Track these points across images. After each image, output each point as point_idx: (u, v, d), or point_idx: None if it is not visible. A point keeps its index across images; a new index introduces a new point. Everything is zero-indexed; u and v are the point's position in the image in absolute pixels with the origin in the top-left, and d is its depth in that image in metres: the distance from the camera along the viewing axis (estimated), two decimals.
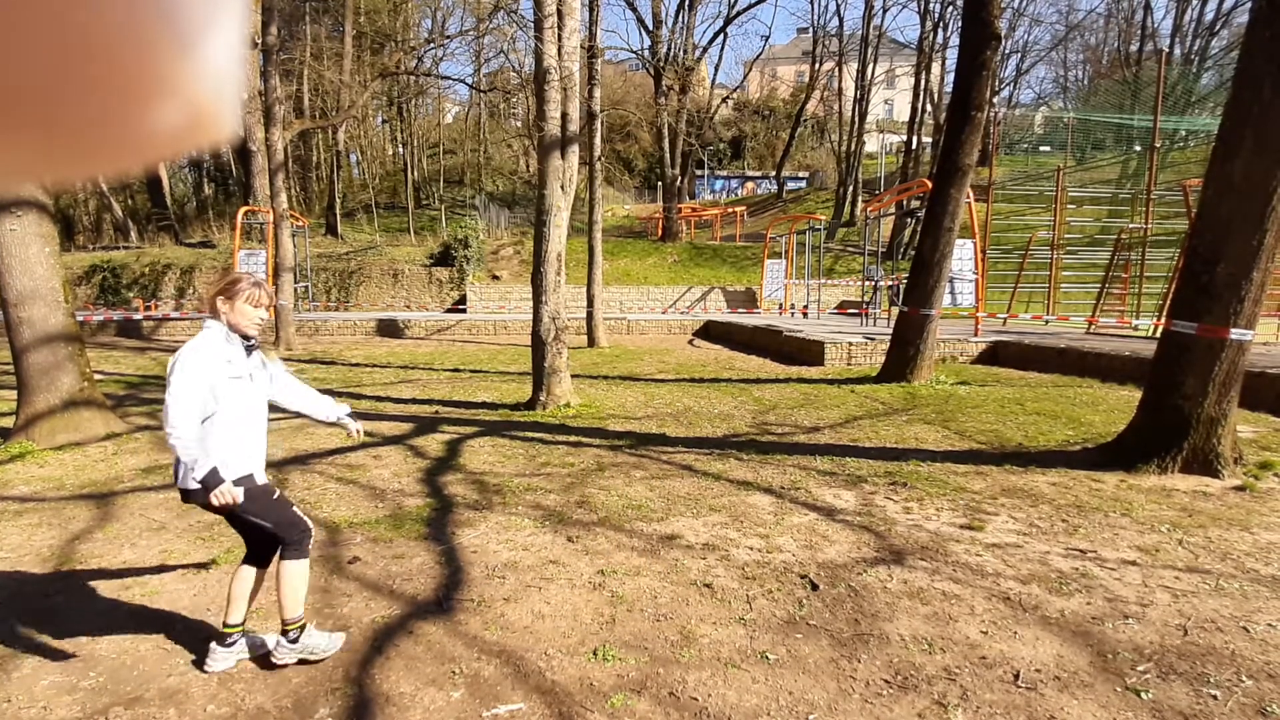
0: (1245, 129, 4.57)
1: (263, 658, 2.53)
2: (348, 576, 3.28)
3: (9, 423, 5.93)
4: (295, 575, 2.48)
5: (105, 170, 0.22)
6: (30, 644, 2.68)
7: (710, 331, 17.48)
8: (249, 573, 2.56)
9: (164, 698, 2.34)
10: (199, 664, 2.51)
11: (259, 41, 13.29)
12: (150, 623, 2.84)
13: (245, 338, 2.44)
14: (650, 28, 29.17)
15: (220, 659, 2.47)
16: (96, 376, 6.45)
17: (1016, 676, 2.43)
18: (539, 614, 2.91)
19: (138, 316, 16.85)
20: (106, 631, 2.77)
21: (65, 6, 0.18)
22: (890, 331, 9.96)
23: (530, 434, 6.24)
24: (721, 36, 32.03)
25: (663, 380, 9.61)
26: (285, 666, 2.50)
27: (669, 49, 29.47)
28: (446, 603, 3.01)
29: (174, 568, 3.38)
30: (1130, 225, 14.15)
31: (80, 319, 6.44)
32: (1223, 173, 4.73)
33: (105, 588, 3.16)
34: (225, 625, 2.51)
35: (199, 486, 2.24)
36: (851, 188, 30.27)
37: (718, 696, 2.34)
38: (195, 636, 2.73)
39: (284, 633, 2.48)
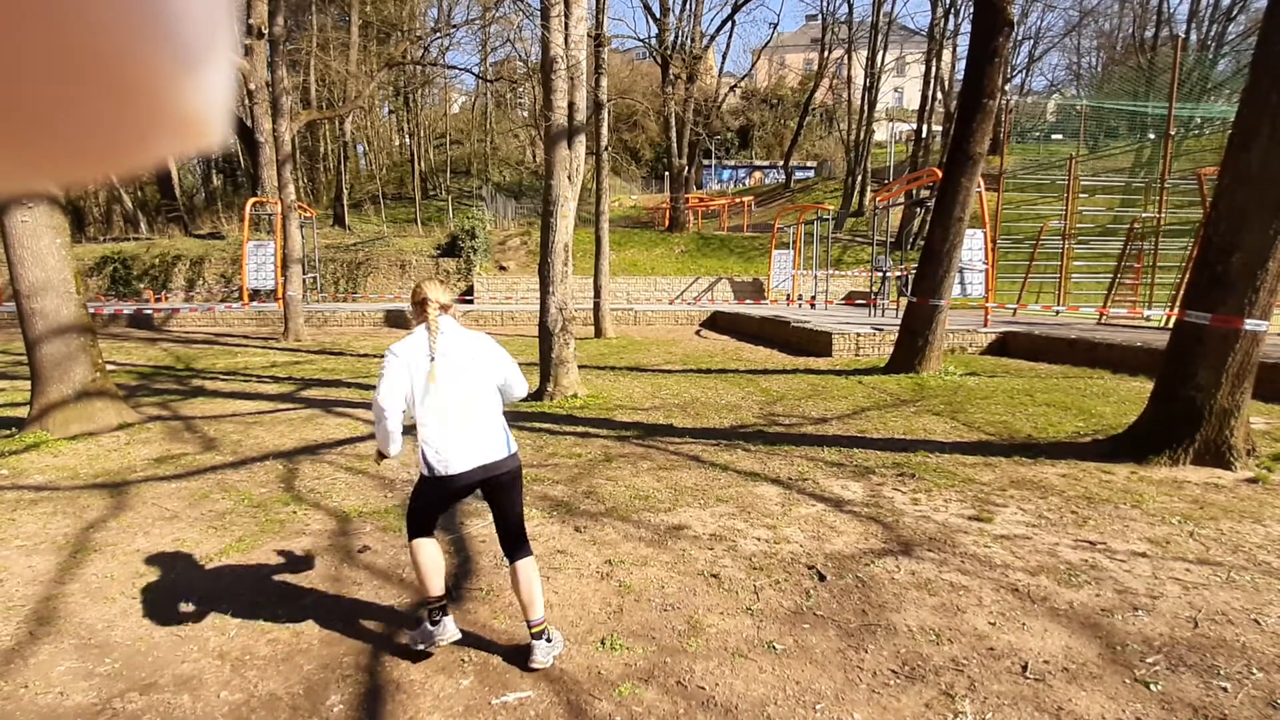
0: (1262, 116, 4.49)
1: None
2: (358, 565, 3.31)
3: (24, 413, 5.99)
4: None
5: (97, 175, 0.23)
6: (46, 630, 2.72)
7: (717, 322, 17.45)
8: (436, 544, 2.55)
9: (178, 684, 2.37)
10: (410, 655, 2.49)
11: (265, 32, 13.27)
12: (164, 610, 2.87)
13: None
14: (657, 15, 28.93)
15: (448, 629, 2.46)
16: (108, 367, 6.51)
17: (1025, 668, 2.43)
18: (547, 603, 2.92)
19: (148, 310, 16.98)
20: (121, 619, 2.80)
21: (66, 19, 0.18)
22: (899, 322, 9.91)
23: (537, 424, 6.26)
24: (729, 24, 31.73)
25: (670, 371, 9.60)
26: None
27: (676, 37, 29.24)
28: (455, 591, 3.04)
29: (187, 556, 3.42)
30: (1143, 214, 13.99)
31: (91, 310, 6.49)
32: (1239, 161, 4.66)
33: (119, 576, 3.21)
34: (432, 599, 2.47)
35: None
36: (860, 177, 30.03)
37: (725, 686, 2.35)
38: (209, 624, 2.76)
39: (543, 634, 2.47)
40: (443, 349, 2.44)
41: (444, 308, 2.51)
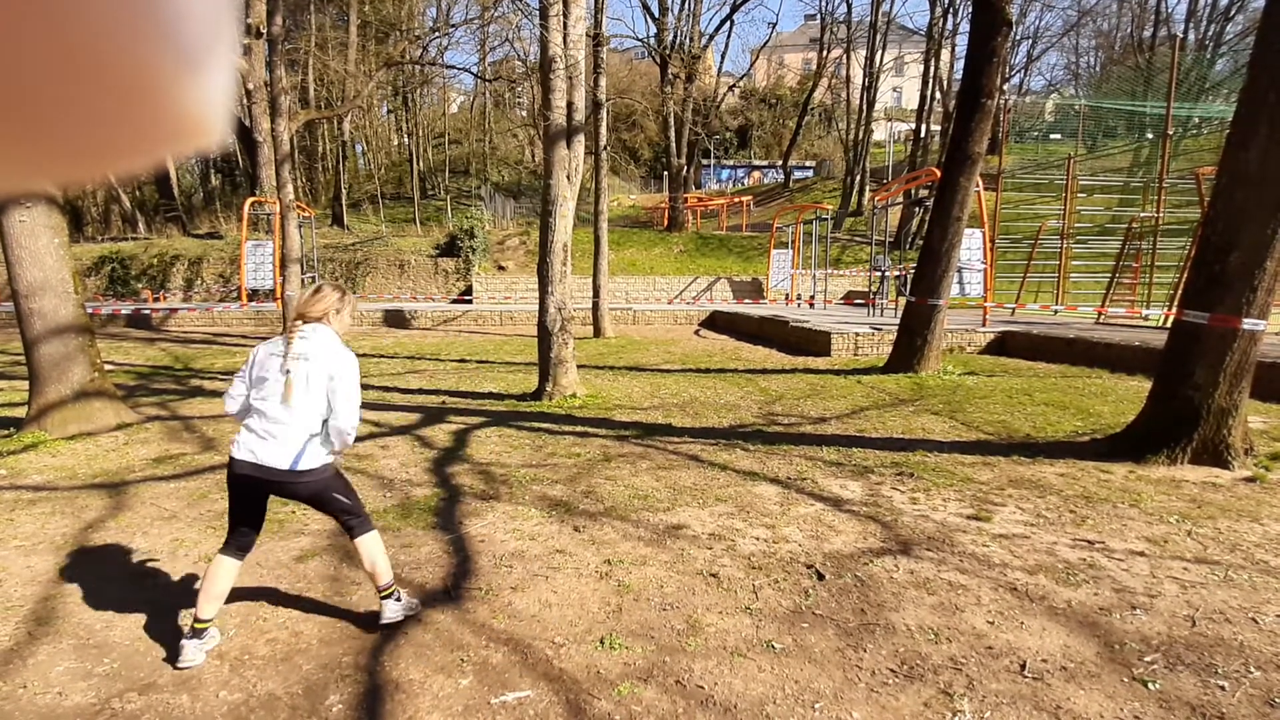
0: (1261, 116, 4.50)
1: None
2: (356, 565, 3.30)
3: (22, 413, 5.98)
4: (378, 546, 2.73)
5: (96, 174, 0.23)
6: (44, 631, 2.72)
7: (716, 322, 17.45)
8: (231, 565, 2.57)
9: (177, 684, 2.37)
10: (171, 660, 2.49)
11: (264, 31, 13.25)
12: (163, 610, 2.87)
13: None
14: (656, 15, 28.89)
15: (193, 653, 2.47)
16: (107, 367, 6.50)
17: (1023, 666, 2.43)
18: (546, 603, 2.93)
19: (147, 310, 16.96)
20: (120, 619, 2.80)
21: (67, 19, 0.18)
22: (897, 322, 9.92)
23: (537, 424, 6.26)
24: (728, 24, 31.67)
25: (669, 371, 9.60)
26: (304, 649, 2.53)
27: (675, 36, 29.22)
28: (455, 591, 3.04)
29: (186, 556, 3.42)
30: (1142, 214, 14.00)
31: (89, 310, 6.48)
32: (1237, 160, 4.66)
33: (118, 576, 3.20)
34: (198, 620, 2.50)
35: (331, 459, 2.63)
36: (859, 177, 30.04)
37: (724, 685, 2.35)
38: None
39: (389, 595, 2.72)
40: (291, 360, 2.55)
41: (309, 320, 2.65)
